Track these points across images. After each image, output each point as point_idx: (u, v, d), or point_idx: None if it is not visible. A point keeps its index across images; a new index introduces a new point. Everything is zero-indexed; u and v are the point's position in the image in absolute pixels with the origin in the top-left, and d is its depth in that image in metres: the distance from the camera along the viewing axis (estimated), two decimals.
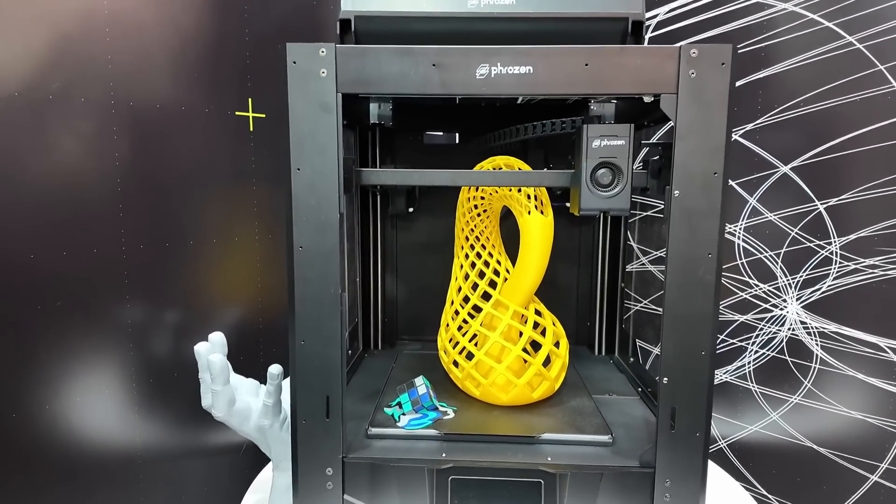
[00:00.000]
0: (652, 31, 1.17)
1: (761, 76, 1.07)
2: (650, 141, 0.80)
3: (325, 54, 0.71)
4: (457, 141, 1.25)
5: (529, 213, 0.89)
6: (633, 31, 0.79)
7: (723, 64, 0.69)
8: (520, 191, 0.90)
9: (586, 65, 0.70)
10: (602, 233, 1.24)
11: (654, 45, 0.76)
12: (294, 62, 0.71)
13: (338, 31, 0.81)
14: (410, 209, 1.26)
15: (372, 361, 1.20)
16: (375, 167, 1.24)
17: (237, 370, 0.90)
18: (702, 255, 0.72)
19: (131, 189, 0.95)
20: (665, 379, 0.74)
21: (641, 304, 1.32)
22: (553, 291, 1.32)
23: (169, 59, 0.97)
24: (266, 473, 1.04)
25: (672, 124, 0.70)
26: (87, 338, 0.94)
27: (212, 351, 0.85)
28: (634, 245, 1.30)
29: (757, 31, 1.07)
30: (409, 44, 0.72)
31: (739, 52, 1.08)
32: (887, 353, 0.98)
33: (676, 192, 0.71)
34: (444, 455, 0.79)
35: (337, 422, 0.78)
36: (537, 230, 0.89)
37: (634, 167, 0.75)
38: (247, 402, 0.90)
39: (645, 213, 1.27)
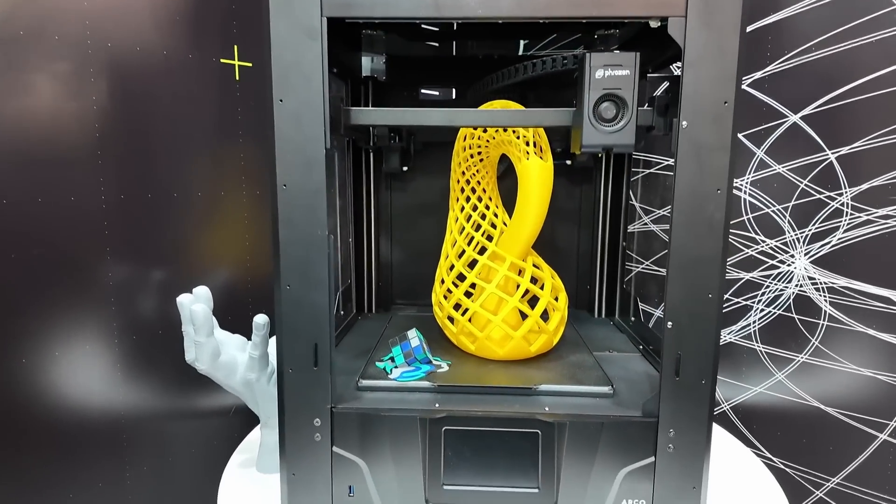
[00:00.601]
0: None
1: (770, 21, 1.02)
2: (657, 74, 0.76)
3: None
4: (454, 96, 1.21)
5: (528, 157, 0.84)
6: None
7: None
8: (518, 137, 0.86)
9: None
10: (603, 192, 1.19)
11: None
12: None
13: None
14: (405, 168, 1.21)
15: (365, 323, 1.17)
16: (370, 125, 1.19)
17: (229, 329, 0.87)
18: (710, 191, 0.68)
19: (110, 135, 0.91)
20: (670, 323, 0.71)
21: (643, 266, 1.28)
22: (552, 253, 1.28)
23: None
24: (255, 434, 1.01)
25: (680, 52, 0.66)
26: (66, 290, 0.90)
27: (195, 303, 0.81)
28: (637, 204, 1.26)
29: None
30: None
31: None
32: None
33: (684, 122, 0.67)
34: (437, 405, 0.76)
35: (325, 371, 0.74)
36: (536, 176, 0.85)
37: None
38: (232, 356, 0.86)
39: (648, 171, 1.23)
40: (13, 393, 0.87)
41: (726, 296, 1.13)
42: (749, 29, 1.04)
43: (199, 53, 1.00)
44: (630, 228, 1.25)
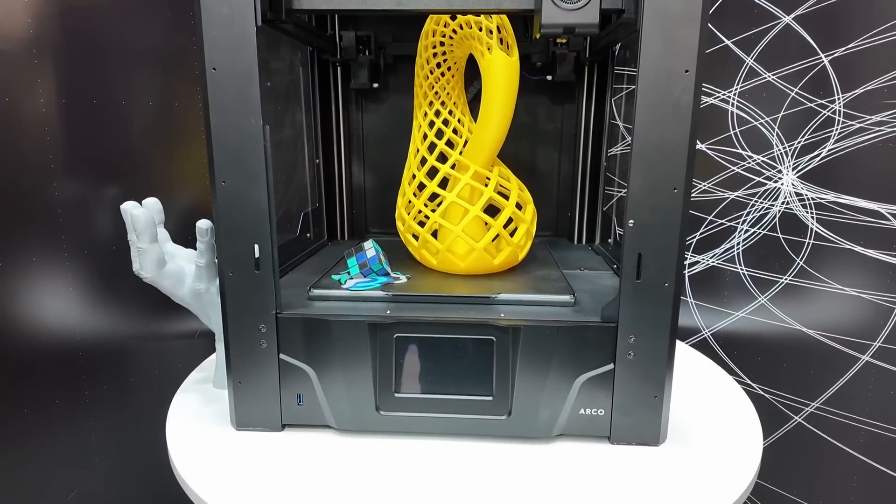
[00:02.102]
0: None
1: None
2: None
3: None
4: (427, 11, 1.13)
5: (490, 50, 0.78)
6: None
7: None
8: (481, 29, 0.79)
9: None
10: (585, 110, 1.13)
11: None
12: None
13: None
14: (375, 84, 1.15)
15: (334, 248, 1.13)
16: (335, 32, 1.12)
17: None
18: (678, 70, 0.62)
19: (46, 31, 0.84)
20: (631, 221, 0.66)
21: (626, 191, 1.22)
22: (532, 179, 1.22)
23: None
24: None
25: None
26: (5, 199, 0.86)
27: (137, 208, 0.77)
28: (620, 124, 1.19)
29: None
30: None
31: None
32: (889, 220, 0.88)
33: None
34: (388, 312, 0.72)
35: (268, 273, 0.70)
36: (499, 71, 0.79)
37: None
38: (180, 267, 0.82)
39: (632, 87, 1.16)
40: None
41: (710, 217, 1.07)
42: None
43: None
44: (612, 150, 1.19)
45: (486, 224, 0.83)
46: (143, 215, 0.76)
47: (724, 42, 1.00)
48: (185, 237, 0.96)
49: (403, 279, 0.82)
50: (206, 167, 0.68)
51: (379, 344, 0.71)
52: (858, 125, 0.89)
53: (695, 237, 1.10)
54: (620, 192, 1.22)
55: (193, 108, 1.04)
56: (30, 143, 0.86)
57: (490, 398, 0.71)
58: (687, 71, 0.62)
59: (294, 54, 1.06)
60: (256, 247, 0.69)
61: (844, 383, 0.96)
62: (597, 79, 1.10)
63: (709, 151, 1.05)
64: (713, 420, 0.79)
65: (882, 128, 0.87)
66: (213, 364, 0.95)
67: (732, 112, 1.01)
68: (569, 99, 1.16)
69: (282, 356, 0.72)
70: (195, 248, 0.80)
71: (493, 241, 0.83)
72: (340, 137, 1.18)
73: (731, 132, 1.02)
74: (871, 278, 0.91)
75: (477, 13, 0.78)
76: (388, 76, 1.17)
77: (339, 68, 1.14)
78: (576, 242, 1.18)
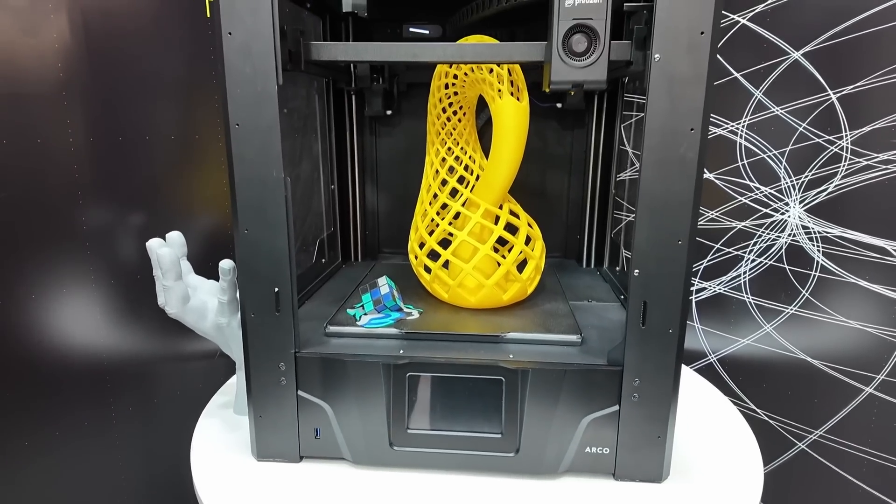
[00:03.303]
0: None
1: None
2: (634, 3, 0.70)
3: None
4: (442, 33, 1.15)
5: (501, 95, 0.80)
6: None
7: None
8: (491, 71, 0.81)
9: None
10: (594, 137, 1.14)
11: None
12: None
13: None
14: (388, 111, 1.17)
15: (348, 271, 1.16)
16: (349, 64, 1.14)
17: (205, 277, 0.86)
18: (683, 129, 0.64)
19: (74, 74, 0.88)
20: (637, 270, 0.68)
21: (634, 215, 1.24)
22: (542, 201, 1.25)
23: None
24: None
25: None
26: (38, 233, 0.90)
27: (162, 247, 0.81)
28: (629, 150, 1.21)
29: None
30: None
31: None
32: (894, 256, 0.90)
33: (657, 55, 0.62)
34: (401, 352, 0.75)
35: (287, 315, 0.73)
36: (510, 116, 0.81)
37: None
38: (203, 301, 0.86)
39: (641, 114, 1.17)
40: None
41: (717, 245, 1.09)
42: None
43: None
44: (621, 175, 1.20)
45: (497, 255, 0.86)
46: (168, 255, 0.80)
47: (733, 74, 1.01)
48: (206, 262, 0.99)
49: (415, 314, 0.85)
50: (225, 193, 0.71)
51: (392, 382, 0.74)
52: (865, 162, 0.90)
53: (702, 264, 1.11)
54: (628, 216, 1.24)
55: (213, 138, 1.07)
56: (60, 180, 0.90)
57: (499, 436, 0.74)
58: (692, 129, 0.64)
59: (310, 84, 1.09)
60: (277, 290, 0.72)
61: (848, 413, 0.98)
62: (606, 105, 1.11)
63: (717, 181, 1.07)
64: (715, 453, 0.81)
65: (889, 166, 0.88)
66: (234, 387, 0.99)
67: (741, 143, 1.03)
68: (578, 125, 1.18)
69: (300, 392, 0.76)
70: (216, 279, 0.84)
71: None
72: (355, 162, 1.20)
73: (739, 163, 1.03)
74: (875, 313, 0.93)
75: (490, 63, 0.80)
76: (401, 102, 1.19)
77: (353, 96, 1.17)
78: (584, 265, 1.21)
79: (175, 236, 0.86)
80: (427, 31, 1.16)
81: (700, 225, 1.09)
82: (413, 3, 1.11)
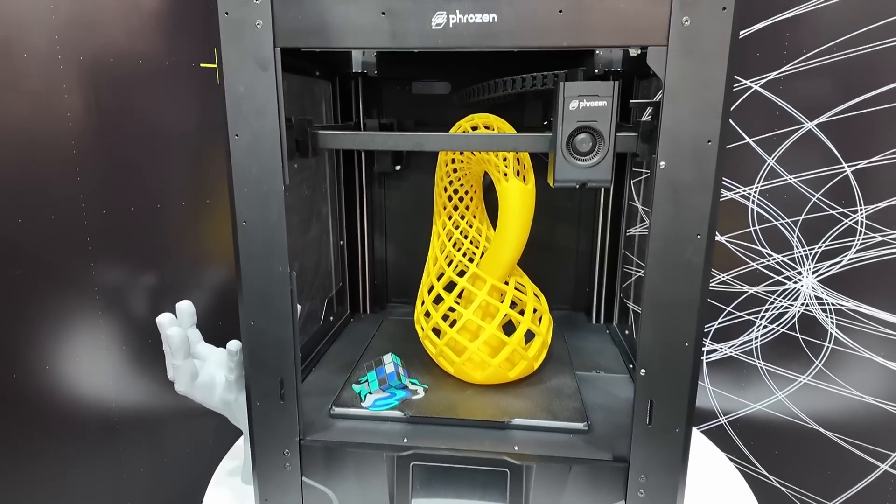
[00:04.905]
0: None
1: (789, 16, 0.93)
2: (641, 100, 0.69)
3: (261, 2, 0.62)
4: (449, 91, 1.15)
5: (507, 178, 0.80)
6: None
7: (724, 9, 0.57)
8: (497, 154, 0.81)
9: (560, 11, 0.59)
10: (604, 191, 1.14)
11: None
12: (226, 13, 0.63)
13: None
14: (398, 167, 1.18)
15: (356, 327, 1.16)
16: (359, 121, 1.15)
17: (215, 336, 0.87)
18: (689, 235, 0.63)
19: (87, 151, 0.90)
20: (643, 370, 0.67)
21: (644, 271, 1.23)
22: (551, 254, 1.24)
23: (118, 4, 0.89)
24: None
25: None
26: (52, 306, 0.91)
27: (178, 321, 0.82)
28: (639, 206, 1.20)
29: None
30: None
31: None
32: None
33: (662, 163, 0.61)
34: (405, 440, 0.75)
35: (292, 404, 0.74)
36: (516, 198, 0.81)
37: (639, 117, 0.66)
38: (211, 375, 0.87)
39: (650, 172, 1.16)
40: (7, 403, 0.90)
41: (728, 308, 1.08)
42: (764, 24, 0.95)
43: (176, 59, 0.97)
44: (631, 231, 1.19)
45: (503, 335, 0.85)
46: (177, 335, 0.81)
47: (745, 139, 1.00)
48: (216, 319, 1.00)
49: (421, 392, 0.85)
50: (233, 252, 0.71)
51: (396, 471, 0.75)
52: (881, 238, 0.88)
53: (713, 325, 1.10)
54: (638, 272, 1.23)
55: (224, 199, 1.08)
56: (73, 253, 0.92)
57: None
58: (699, 236, 0.63)
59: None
60: (281, 380, 0.73)
61: (862, 488, 0.96)
62: (616, 162, 1.10)
63: (728, 244, 1.05)
64: None
65: None
66: (241, 450, 1.00)
67: (752, 209, 1.01)
68: None
69: (304, 479, 0.76)
70: (219, 333, 0.85)
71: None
72: (364, 216, 1.21)
73: (751, 228, 1.02)
74: (891, 389, 0.91)
75: (494, 152, 0.80)
76: (410, 157, 1.20)
77: (363, 154, 1.17)
78: (594, 320, 1.20)
79: (185, 307, 0.87)
80: (436, 90, 1.16)
81: (711, 286, 1.07)
82: (421, 61, 1.11)
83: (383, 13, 0.61)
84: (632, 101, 0.70)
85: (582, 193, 1.18)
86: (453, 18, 0.61)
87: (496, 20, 0.60)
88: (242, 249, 0.69)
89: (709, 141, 0.60)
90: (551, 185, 0.69)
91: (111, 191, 0.93)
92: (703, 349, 1.11)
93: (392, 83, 1.15)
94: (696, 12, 0.57)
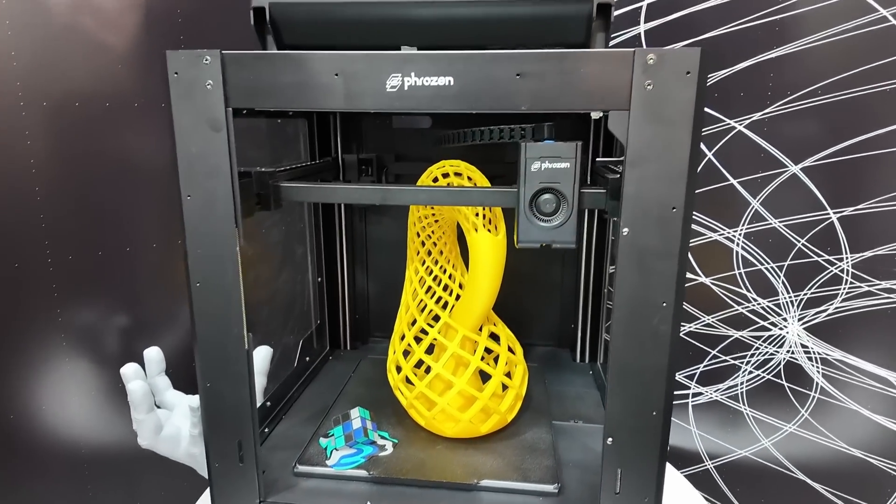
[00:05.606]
0: None
1: (773, 55, 0.90)
2: (605, 159, 0.67)
3: (210, 63, 0.60)
4: (429, 125, 1.13)
5: (477, 230, 0.78)
6: (598, 16, 0.65)
7: (688, 73, 0.55)
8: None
9: (518, 75, 0.57)
10: (587, 228, 1.11)
11: (602, 50, 0.62)
12: (176, 73, 0.61)
13: (252, 22, 0.69)
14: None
15: (334, 366, 1.14)
16: (337, 156, 1.13)
17: (189, 378, 0.85)
18: (655, 303, 0.60)
19: (53, 197, 0.88)
20: (610, 439, 0.65)
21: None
22: (536, 289, 1.22)
23: (85, 48, 0.88)
24: None
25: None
26: (17, 354, 0.90)
27: (147, 369, 0.80)
28: None
29: None
30: (342, 35, 0.63)
31: (750, 25, 0.90)
32: None
33: (626, 229, 0.59)
34: (368, 503, 0.73)
35: (251, 466, 0.72)
36: (486, 251, 0.78)
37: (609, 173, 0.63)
38: (177, 427, 0.85)
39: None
40: None
41: (714, 352, 1.05)
42: (748, 63, 0.92)
43: (145, 101, 0.95)
44: (613, 269, 1.17)
45: (474, 389, 0.83)
46: (139, 389, 0.79)
47: (729, 181, 0.97)
48: (188, 359, 0.98)
49: (389, 447, 0.83)
50: None
51: None
52: (867, 288, 0.86)
53: (699, 368, 1.07)
54: None
55: None
56: (39, 301, 0.90)
57: None
58: (665, 304, 0.60)
59: None
60: (240, 442, 0.71)
61: None
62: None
63: (713, 286, 1.02)
64: None
65: (892, 296, 0.83)
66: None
67: (737, 252, 0.98)
68: None
69: None
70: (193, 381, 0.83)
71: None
72: (343, 250, 1.19)
73: (736, 271, 0.99)
74: (878, 443, 0.88)
75: (459, 206, 0.78)
76: None
77: None
78: (579, 358, 1.17)
79: (153, 354, 0.85)
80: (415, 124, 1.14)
81: (696, 329, 1.04)
82: None
83: (337, 75, 0.59)
84: (597, 159, 0.68)
85: None
86: (409, 81, 0.59)
87: (452, 83, 0.58)
88: (197, 310, 0.67)
89: (673, 208, 0.58)
90: (515, 245, 0.67)
91: (78, 236, 0.92)
92: (689, 391, 1.08)
93: (372, 117, 1.13)
94: (659, 77, 0.55)
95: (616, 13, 0.97)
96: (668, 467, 1.01)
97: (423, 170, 0.92)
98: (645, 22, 0.95)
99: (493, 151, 1.07)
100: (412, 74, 0.58)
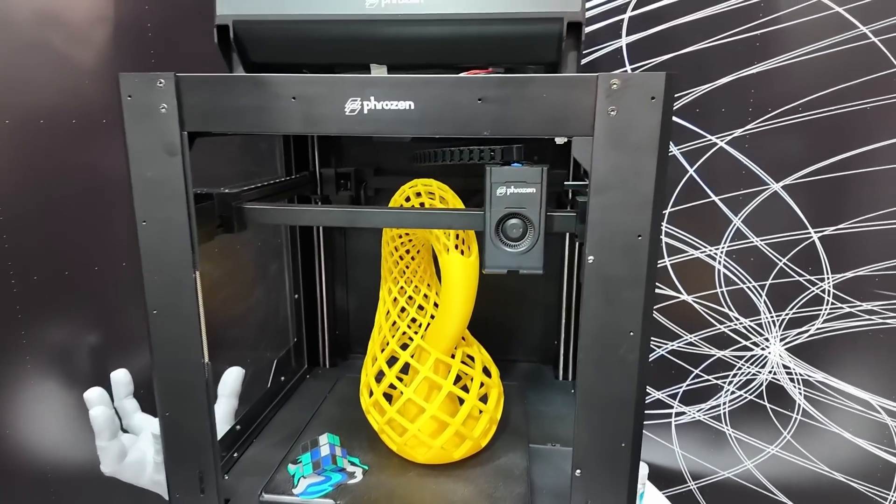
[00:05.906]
0: (632, 10, 0.98)
1: (754, 71, 0.88)
2: (574, 183, 0.65)
3: (165, 86, 0.59)
4: (409, 139, 1.11)
5: (449, 252, 0.76)
6: (569, 35, 0.63)
7: (653, 98, 0.53)
8: None
9: (479, 100, 0.55)
10: (569, 244, 1.09)
11: (565, 75, 0.60)
12: (129, 96, 0.59)
13: (216, 40, 0.67)
14: None
15: (310, 386, 1.12)
16: (315, 170, 1.11)
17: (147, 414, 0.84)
18: (622, 331, 0.59)
19: (16, 217, 0.86)
20: (578, 471, 0.63)
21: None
22: (519, 304, 1.20)
23: (50, 63, 0.86)
24: None
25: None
26: None
27: (114, 391, 0.79)
28: None
29: (752, 14, 0.87)
30: (305, 53, 0.62)
31: (731, 40, 0.89)
32: (879, 412, 0.83)
33: (591, 257, 0.57)
34: None
35: (212, 497, 0.70)
36: (458, 272, 0.76)
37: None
38: (143, 453, 0.83)
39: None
40: None
41: (696, 371, 1.03)
42: (729, 78, 0.91)
43: (113, 116, 0.93)
44: None
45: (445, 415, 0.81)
46: (101, 415, 0.77)
47: (711, 197, 0.95)
48: None
49: (359, 475, 0.81)
50: None
51: None
52: (848, 309, 0.84)
53: (681, 387, 1.05)
54: None
55: None
56: (2, 324, 0.88)
57: None
58: (632, 333, 0.59)
59: None
60: (200, 473, 0.69)
61: None
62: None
63: (695, 304, 1.01)
64: None
65: (873, 317, 0.82)
66: None
67: (719, 270, 0.97)
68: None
69: None
70: None
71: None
72: (322, 266, 1.17)
73: (718, 290, 0.97)
74: (860, 467, 0.86)
75: (427, 228, 0.76)
76: (368, 201, 1.16)
77: (319, 203, 1.13)
78: (560, 376, 1.15)
79: (120, 377, 0.83)
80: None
81: (678, 347, 1.03)
82: None
83: (294, 98, 0.58)
84: (565, 183, 0.67)
85: (549, 243, 1.14)
86: (368, 105, 0.57)
87: (413, 107, 0.56)
88: (155, 339, 0.65)
89: (639, 236, 0.56)
90: (483, 271, 0.65)
91: (43, 256, 0.90)
92: (672, 411, 1.06)
93: None
94: (623, 102, 0.53)
95: (597, 26, 0.95)
96: (651, 488, 0.99)
97: (403, 183, 0.90)
98: (626, 35, 0.93)
99: (474, 165, 1.06)
100: (371, 98, 0.57)
